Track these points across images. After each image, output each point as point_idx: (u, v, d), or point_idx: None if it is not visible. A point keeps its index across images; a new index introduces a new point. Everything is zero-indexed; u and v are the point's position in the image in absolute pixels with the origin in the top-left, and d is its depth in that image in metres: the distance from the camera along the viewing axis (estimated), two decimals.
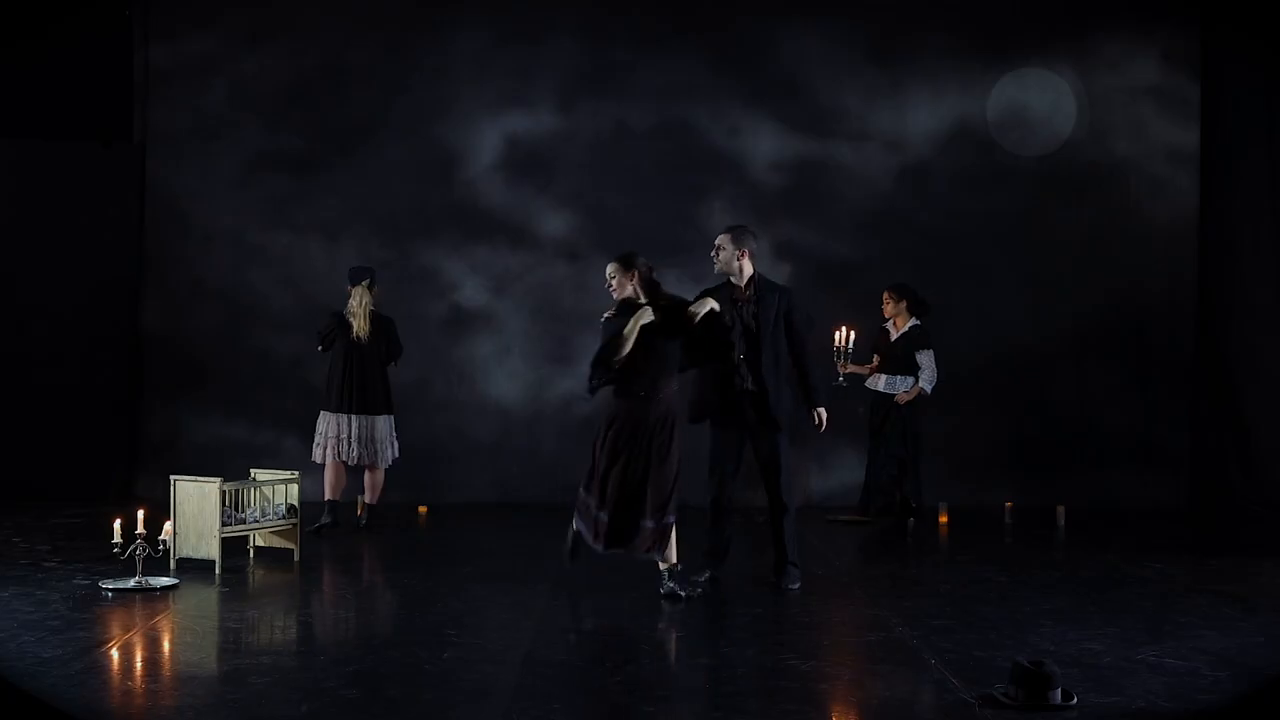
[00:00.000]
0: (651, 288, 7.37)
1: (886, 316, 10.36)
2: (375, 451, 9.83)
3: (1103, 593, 7.76)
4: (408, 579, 8.15)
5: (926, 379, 10.13)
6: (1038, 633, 6.62)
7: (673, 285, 11.47)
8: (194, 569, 7.97)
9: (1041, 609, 7.22)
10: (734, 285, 7.72)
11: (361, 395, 9.76)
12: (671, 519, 7.27)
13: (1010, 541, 9.97)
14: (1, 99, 10.99)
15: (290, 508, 8.50)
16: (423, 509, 10.84)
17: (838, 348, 9.92)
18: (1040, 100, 11.71)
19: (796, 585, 7.69)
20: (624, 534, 7.26)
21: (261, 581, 7.95)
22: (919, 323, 10.24)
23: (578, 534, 7.48)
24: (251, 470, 8.70)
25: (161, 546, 7.83)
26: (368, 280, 9.87)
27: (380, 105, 11.65)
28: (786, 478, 7.73)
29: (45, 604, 7.00)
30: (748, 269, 7.75)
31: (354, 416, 9.77)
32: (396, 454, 9.99)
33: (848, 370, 9.90)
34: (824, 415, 7.84)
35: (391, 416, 9.95)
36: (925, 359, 10.15)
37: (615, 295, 7.39)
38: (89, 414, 11.20)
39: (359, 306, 9.80)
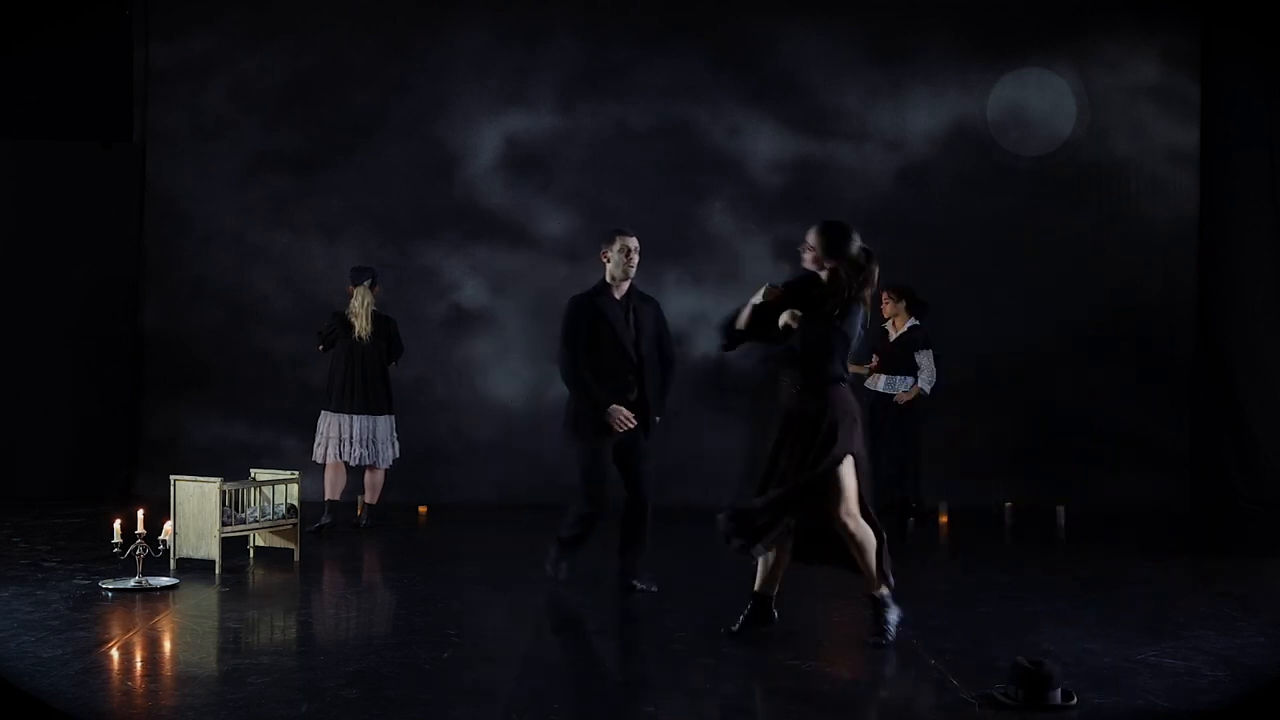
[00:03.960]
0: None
1: (885, 316, 10.35)
2: (376, 451, 9.84)
3: (1103, 593, 7.76)
4: (408, 579, 8.15)
5: (926, 379, 10.13)
6: (1038, 633, 6.62)
7: (671, 285, 11.70)
8: (194, 569, 7.97)
9: (1041, 609, 7.22)
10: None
11: (364, 395, 9.76)
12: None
13: (1010, 541, 9.97)
14: (1, 99, 11.00)
15: (290, 508, 8.51)
16: (423, 509, 10.85)
17: None
18: (1040, 100, 11.71)
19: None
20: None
21: (261, 581, 7.95)
22: (918, 323, 10.24)
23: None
24: (251, 470, 8.70)
25: (161, 546, 7.84)
26: (369, 280, 9.87)
27: (380, 105, 11.66)
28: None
29: (45, 604, 7.00)
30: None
31: (356, 417, 9.78)
32: (397, 454, 9.99)
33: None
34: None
35: (392, 416, 9.95)
36: (924, 359, 10.14)
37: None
38: (89, 414, 11.21)
39: (361, 307, 9.80)
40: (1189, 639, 6.49)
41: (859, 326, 6.50)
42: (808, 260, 6.71)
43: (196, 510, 8.05)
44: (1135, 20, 11.78)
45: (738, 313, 6.55)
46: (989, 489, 11.32)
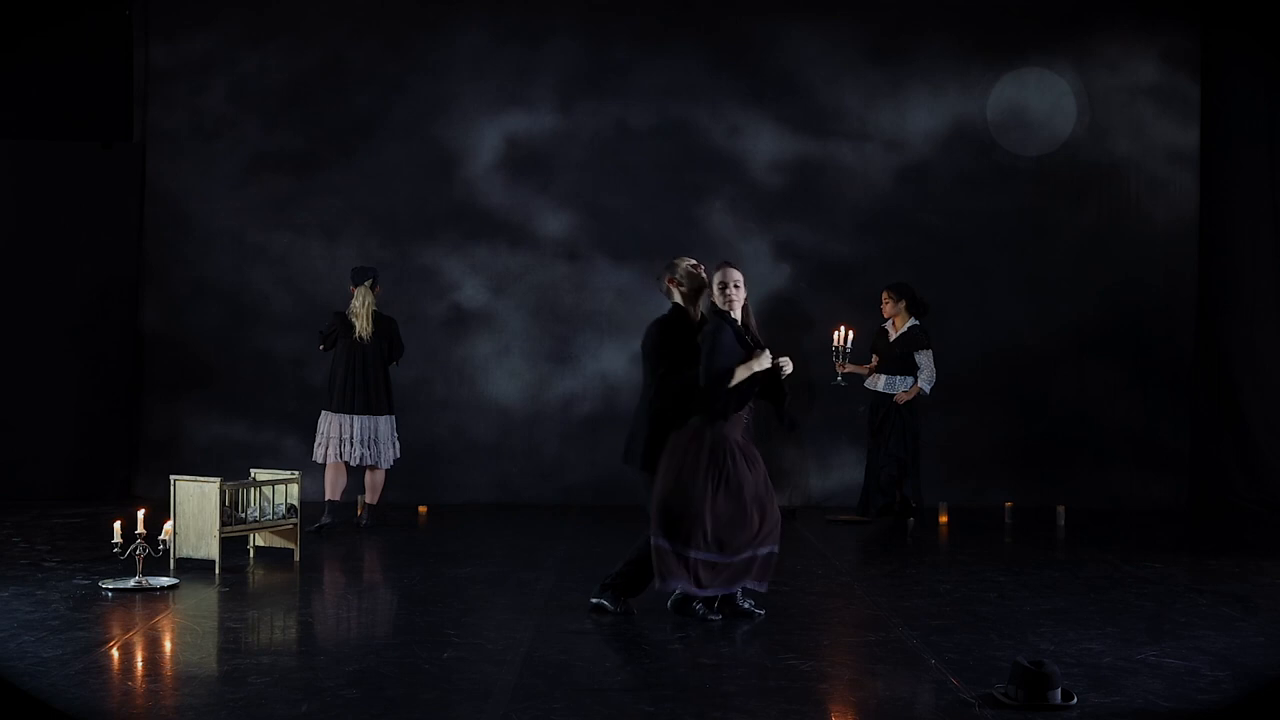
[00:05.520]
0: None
1: (885, 316, 10.36)
2: (378, 452, 9.84)
3: (1103, 593, 7.76)
4: (408, 579, 8.15)
5: (925, 379, 10.14)
6: (1038, 633, 6.62)
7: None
8: (194, 569, 7.98)
9: (1041, 609, 7.22)
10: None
11: (364, 395, 9.77)
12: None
13: (1010, 541, 9.97)
14: (1, 99, 11.00)
15: (290, 508, 8.51)
16: (423, 509, 10.85)
17: (836, 347, 9.93)
18: (1040, 100, 11.71)
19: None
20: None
21: (261, 581, 7.95)
22: (918, 323, 10.25)
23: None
24: (251, 470, 8.70)
25: (161, 546, 7.84)
26: (371, 280, 9.88)
27: (380, 105, 11.66)
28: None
29: (45, 604, 7.00)
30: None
31: (356, 417, 9.78)
32: (397, 454, 9.99)
33: (846, 370, 9.90)
34: None
35: (393, 416, 9.96)
36: (924, 359, 10.15)
37: (732, 304, 6.83)
38: (89, 414, 11.21)
39: (362, 307, 9.80)
40: (1189, 639, 6.49)
41: None
42: (738, 299, 6.91)
43: (196, 510, 8.06)
44: (1135, 20, 11.78)
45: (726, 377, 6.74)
46: (989, 489, 11.33)
